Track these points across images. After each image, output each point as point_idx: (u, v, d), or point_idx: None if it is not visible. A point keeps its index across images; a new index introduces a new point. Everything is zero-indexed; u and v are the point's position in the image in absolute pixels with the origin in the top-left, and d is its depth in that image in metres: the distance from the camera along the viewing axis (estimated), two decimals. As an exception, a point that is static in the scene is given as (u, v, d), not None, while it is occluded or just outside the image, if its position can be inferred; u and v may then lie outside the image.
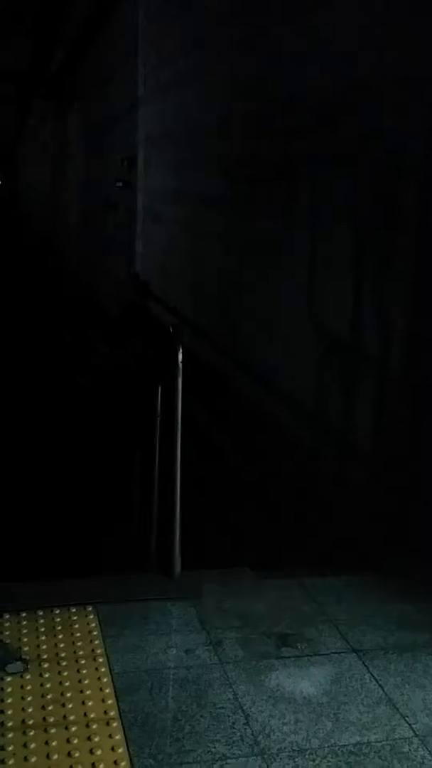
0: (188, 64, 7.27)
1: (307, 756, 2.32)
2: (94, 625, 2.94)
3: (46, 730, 2.35)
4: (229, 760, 2.29)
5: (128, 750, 2.30)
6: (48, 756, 2.25)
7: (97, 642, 2.83)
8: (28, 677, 2.60)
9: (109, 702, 2.50)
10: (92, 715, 2.43)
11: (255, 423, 5.27)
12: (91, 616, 3.00)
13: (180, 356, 3.40)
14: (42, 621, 2.95)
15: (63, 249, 18.42)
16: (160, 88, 8.48)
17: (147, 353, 3.80)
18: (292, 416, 4.73)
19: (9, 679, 2.58)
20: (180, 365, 3.39)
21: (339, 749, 2.35)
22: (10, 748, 2.27)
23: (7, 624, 2.91)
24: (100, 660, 2.72)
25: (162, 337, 3.52)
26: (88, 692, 2.54)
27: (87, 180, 14.64)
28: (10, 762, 2.22)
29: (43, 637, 2.84)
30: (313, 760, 2.30)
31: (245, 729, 2.42)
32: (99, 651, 2.78)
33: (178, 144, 7.78)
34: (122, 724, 2.41)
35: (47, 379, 9.23)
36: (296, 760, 2.30)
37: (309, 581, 3.36)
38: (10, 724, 2.37)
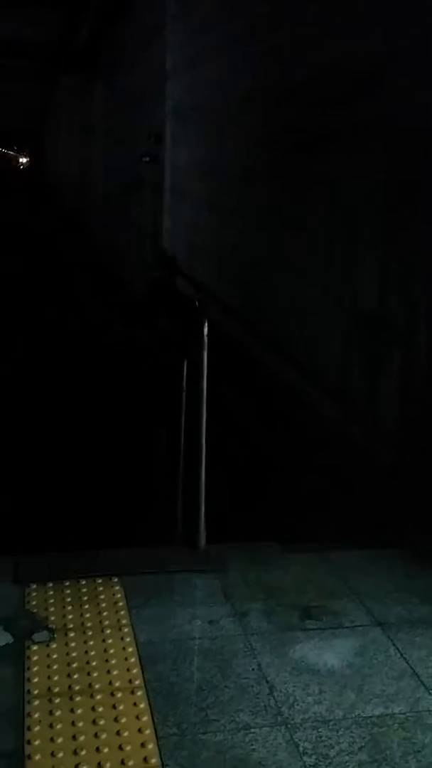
0: (216, 36, 7.19)
1: (330, 726, 2.33)
2: (119, 596, 2.97)
3: (71, 698, 2.39)
4: (253, 730, 2.31)
5: (152, 719, 2.32)
6: (73, 723, 2.28)
7: (122, 612, 2.86)
8: (54, 646, 2.64)
9: (134, 671, 2.53)
10: (117, 684, 2.46)
11: (280, 398, 5.26)
12: (117, 587, 3.03)
13: (205, 331, 3.39)
14: (68, 591, 2.98)
15: (90, 225, 18.43)
16: (188, 61, 8.40)
17: (173, 329, 3.80)
18: (318, 392, 4.71)
19: (35, 647, 2.62)
20: (205, 340, 3.38)
21: (363, 720, 2.36)
22: (37, 715, 2.31)
23: (33, 594, 2.95)
24: (126, 630, 2.75)
25: (188, 312, 3.52)
26: (113, 661, 2.57)
27: (114, 155, 14.59)
28: (36, 729, 2.26)
29: (69, 607, 2.87)
30: (337, 731, 2.31)
31: (269, 699, 2.44)
32: (124, 621, 2.81)
33: (205, 118, 7.71)
34: (147, 693, 2.43)
35: (74, 354, 9.27)
36: (320, 730, 2.31)
37: (334, 555, 3.36)
38: (36, 691, 2.41)
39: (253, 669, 2.58)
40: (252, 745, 2.24)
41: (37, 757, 2.15)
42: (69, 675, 2.49)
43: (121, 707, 2.36)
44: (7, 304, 12.42)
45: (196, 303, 3.64)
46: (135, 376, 6.77)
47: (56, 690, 2.42)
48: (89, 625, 2.77)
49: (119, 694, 2.42)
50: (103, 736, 2.24)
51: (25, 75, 24.78)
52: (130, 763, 2.15)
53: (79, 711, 2.33)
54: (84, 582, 3.05)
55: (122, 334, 9.63)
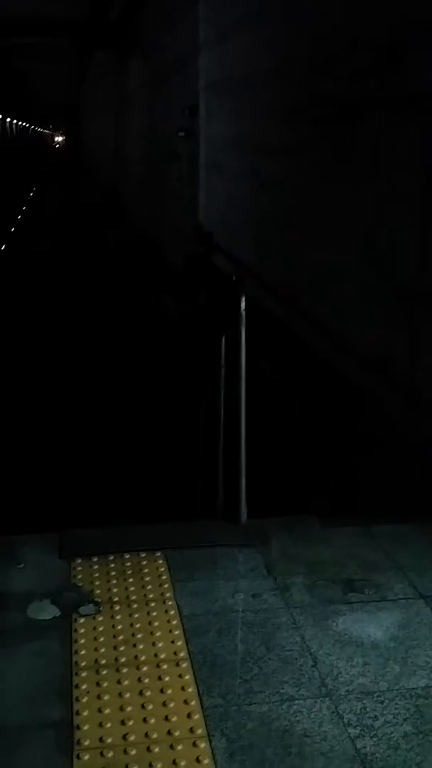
0: (249, 7, 7.09)
1: (375, 698, 2.34)
2: (163, 569, 3.01)
3: (118, 670, 2.43)
4: (297, 702, 2.33)
5: (198, 690, 2.36)
6: (120, 694, 2.33)
7: (166, 586, 2.90)
8: (100, 619, 2.68)
9: (179, 643, 2.57)
10: (162, 656, 2.50)
11: (318, 372, 5.23)
12: (160, 561, 3.06)
13: (243, 306, 3.38)
14: (112, 566, 3.03)
15: (127, 201, 18.43)
16: (222, 32, 8.30)
17: (210, 304, 3.79)
18: (357, 364, 4.68)
19: (82, 620, 2.67)
20: (243, 315, 3.38)
21: (407, 692, 2.36)
22: (84, 687, 2.36)
23: (79, 568, 3.00)
24: (170, 603, 2.79)
25: (225, 287, 3.51)
26: (158, 634, 2.61)
27: (149, 130, 14.54)
28: (84, 700, 2.30)
29: (114, 581, 2.92)
30: (381, 702, 2.32)
31: (313, 671, 2.46)
32: (168, 594, 2.84)
33: (239, 90, 7.63)
34: (192, 665, 2.47)
35: (113, 331, 9.33)
36: (364, 702, 2.32)
37: (376, 529, 3.35)
38: (83, 663, 2.46)
39: (296, 641, 2.60)
40: (296, 716, 2.26)
41: (86, 727, 2.20)
42: (115, 647, 2.54)
43: (166, 679, 2.40)
44: (50, 281, 12.55)
45: (233, 278, 3.63)
46: (175, 350, 6.79)
47: (103, 662, 2.47)
48: (134, 598, 2.81)
49: (165, 666, 2.45)
50: (150, 707, 2.28)
51: (59, 53, 24.78)
52: (177, 733, 2.18)
53: (125, 682, 2.38)
54: (128, 556, 3.09)
55: (162, 310, 9.65)
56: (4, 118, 48.25)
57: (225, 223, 8.36)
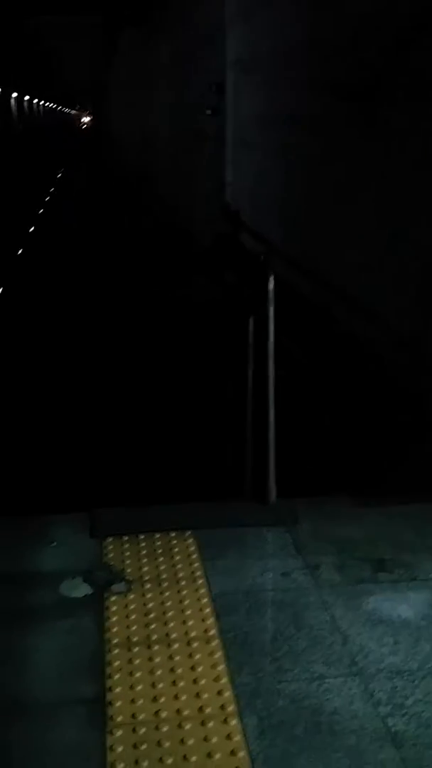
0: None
1: (405, 677, 2.34)
2: (193, 549, 3.03)
3: (149, 647, 2.46)
4: (327, 680, 2.34)
5: (228, 667, 2.38)
6: (152, 672, 2.36)
7: (196, 565, 2.92)
8: (131, 597, 2.71)
9: (209, 621, 2.59)
10: (193, 634, 2.52)
11: (348, 350, 5.19)
12: (190, 541, 3.08)
13: (271, 285, 3.37)
14: (143, 545, 3.05)
15: (153, 180, 18.38)
16: (249, 8, 8.20)
17: (238, 284, 3.78)
18: (389, 342, 4.64)
19: (114, 598, 2.70)
20: (271, 294, 3.36)
21: (437, 672, 2.36)
22: (116, 664, 2.39)
23: (110, 547, 3.03)
24: (200, 582, 2.81)
25: (253, 267, 3.49)
26: (188, 612, 2.63)
27: (176, 108, 14.45)
28: (116, 677, 2.34)
29: (145, 560, 2.94)
30: (412, 681, 2.32)
31: (343, 650, 2.46)
32: (198, 573, 2.86)
33: (267, 66, 7.54)
34: (222, 642, 2.49)
35: (142, 311, 9.35)
36: (394, 680, 2.33)
37: (408, 509, 3.34)
38: (115, 640, 2.49)
39: (326, 620, 2.60)
40: (327, 695, 2.27)
41: (118, 703, 2.23)
42: (146, 625, 2.56)
43: (197, 657, 2.42)
44: (77, 263, 12.59)
45: (261, 257, 3.61)
46: (203, 330, 6.79)
47: (135, 639, 2.49)
48: (164, 577, 2.84)
49: (195, 644, 2.48)
50: (181, 684, 2.30)
51: (85, 31, 24.68)
52: (208, 710, 2.21)
53: (157, 660, 2.40)
54: (158, 536, 3.12)
55: (190, 290, 9.65)
56: (30, 99, 48.28)
57: (252, 201, 8.30)
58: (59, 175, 30.47)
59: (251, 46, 8.18)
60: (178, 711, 2.20)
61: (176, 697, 2.26)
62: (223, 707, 2.22)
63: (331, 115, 5.69)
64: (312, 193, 6.26)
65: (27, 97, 47.75)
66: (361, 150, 5.07)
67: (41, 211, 19.84)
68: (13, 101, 41.57)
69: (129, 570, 2.88)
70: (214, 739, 2.11)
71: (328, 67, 5.74)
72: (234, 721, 2.17)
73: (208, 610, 2.65)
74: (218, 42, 9.51)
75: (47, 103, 65.55)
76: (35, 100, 54.39)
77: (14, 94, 40.65)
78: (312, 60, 6.12)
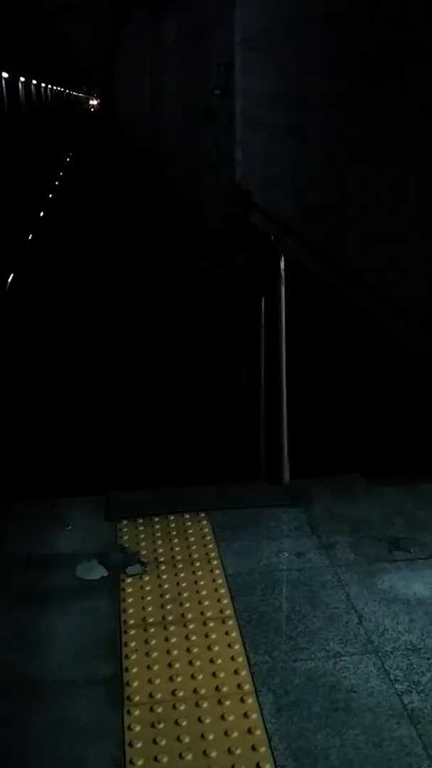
0: None
1: (421, 655, 2.34)
2: (207, 530, 3.03)
3: (165, 628, 2.48)
4: (343, 658, 2.34)
5: (244, 647, 2.39)
6: (168, 652, 2.37)
7: (210, 546, 2.92)
8: (146, 578, 2.73)
9: (225, 602, 2.60)
10: (209, 614, 2.53)
11: (361, 331, 5.17)
12: (204, 522, 3.09)
13: (282, 266, 3.35)
14: (157, 527, 3.06)
15: (163, 161, 18.30)
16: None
17: (249, 264, 3.76)
18: (402, 323, 4.61)
19: (129, 580, 2.72)
20: (283, 275, 3.34)
21: (453, 649, 2.36)
22: (133, 644, 2.40)
23: (125, 530, 3.04)
24: (215, 563, 2.82)
25: (264, 247, 3.47)
26: (204, 592, 2.64)
27: (185, 89, 14.35)
28: (133, 657, 2.35)
29: (160, 542, 2.95)
30: (428, 659, 2.32)
31: (359, 628, 2.47)
32: (213, 554, 2.87)
33: (277, 44, 7.46)
34: (238, 622, 2.50)
35: (153, 293, 9.33)
36: (411, 658, 2.33)
37: (423, 487, 3.34)
38: (131, 621, 2.50)
39: (341, 599, 2.61)
40: (343, 672, 2.28)
41: (135, 683, 2.24)
42: (162, 606, 2.58)
43: (213, 636, 2.43)
44: (90, 242, 12.58)
45: (272, 237, 3.58)
46: (215, 311, 6.78)
47: (151, 620, 2.51)
48: (179, 558, 2.85)
49: (211, 624, 2.49)
50: (198, 663, 2.32)
51: (94, 12, 24.50)
52: (225, 689, 2.22)
53: (173, 640, 2.42)
54: (172, 517, 3.13)
55: (201, 271, 9.62)
56: (39, 84, 48.08)
57: (263, 181, 8.25)
58: (68, 159, 30.38)
59: (260, 24, 8.10)
60: (195, 690, 2.22)
61: (193, 676, 2.27)
62: (239, 686, 2.23)
63: (342, 91, 5.63)
64: (323, 171, 6.20)
65: (34, 81, 47.56)
66: (374, 125, 5.01)
67: (50, 195, 19.80)
68: (20, 85, 41.41)
69: (144, 552, 2.89)
70: (231, 717, 2.12)
71: (339, 42, 5.67)
72: (250, 700, 2.18)
73: (223, 590, 2.66)
74: (227, 21, 9.42)
75: (55, 87, 65.25)
76: (43, 84, 54.17)
77: (21, 78, 40.49)
78: (323, 35, 6.04)
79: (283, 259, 3.33)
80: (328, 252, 6.01)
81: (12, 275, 10.79)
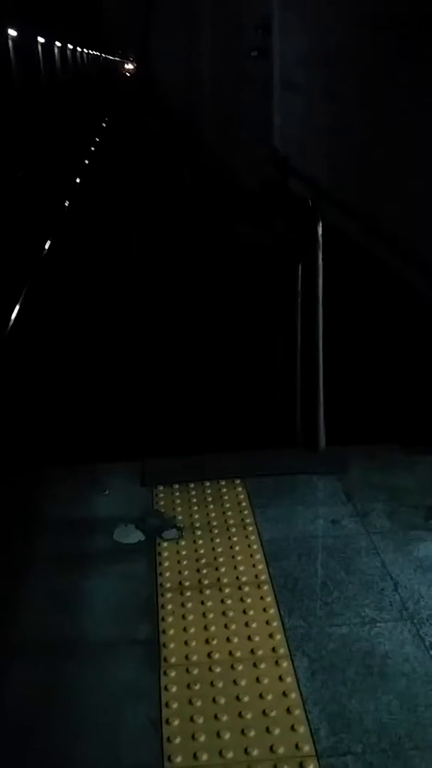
0: None
1: (456, 623, 2.35)
2: (243, 496, 3.05)
3: (201, 592, 2.51)
4: (378, 624, 2.35)
5: (279, 612, 2.41)
6: (204, 615, 2.40)
7: (246, 512, 2.94)
8: (182, 543, 2.76)
9: (260, 567, 2.62)
10: (244, 579, 2.56)
11: (399, 298, 5.10)
12: (240, 489, 3.11)
13: (320, 231, 3.31)
14: (193, 493, 3.09)
15: (200, 126, 18.11)
16: None
17: (287, 231, 3.72)
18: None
19: (165, 545, 2.75)
20: (320, 241, 3.30)
21: None
22: (170, 607, 2.44)
23: (161, 495, 3.07)
24: (250, 529, 2.84)
25: (302, 213, 3.43)
26: (239, 558, 2.67)
27: (221, 52, 14.14)
28: (170, 619, 2.39)
29: (195, 508, 2.98)
30: (463, 627, 2.33)
31: (394, 595, 2.47)
32: (248, 521, 2.89)
33: (316, 1, 7.29)
34: (273, 587, 2.52)
35: (189, 260, 9.30)
36: (445, 626, 2.34)
37: (460, 456, 3.31)
38: (168, 585, 2.54)
39: (376, 566, 2.61)
40: (378, 638, 2.29)
41: (172, 645, 2.28)
42: (198, 570, 2.61)
43: (248, 600, 2.46)
44: (127, 205, 12.56)
45: (310, 203, 3.54)
46: (253, 279, 6.74)
47: (187, 584, 2.54)
48: (215, 524, 2.87)
49: (246, 589, 2.51)
50: (233, 627, 2.35)
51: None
52: (260, 652, 2.25)
53: (209, 604, 2.45)
54: (208, 484, 3.15)
55: (238, 238, 9.55)
56: (74, 48, 47.73)
57: (301, 145, 8.12)
58: (104, 125, 30.24)
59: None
60: (231, 653, 2.25)
61: (228, 639, 2.30)
62: (274, 649, 2.26)
63: (384, 52, 5.50)
64: (358, 133, 6.09)
65: (70, 46, 47.23)
66: (416, 85, 4.89)
67: (87, 162, 19.76)
68: (56, 50, 41.18)
69: (180, 517, 2.92)
70: (266, 680, 2.15)
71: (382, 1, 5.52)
72: (285, 663, 2.21)
73: (258, 556, 2.68)
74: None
75: (91, 51, 64.74)
76: (79, 48, 53.76)
77: (57, 43, 40.24)
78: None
79: (320, 225, 3.29)
80: (365, 217, 5.92)
81: (49, 243, 10.82)
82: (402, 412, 4.55)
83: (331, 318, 3.40)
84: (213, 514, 2.93)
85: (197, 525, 2.87)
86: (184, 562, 2.65)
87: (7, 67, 29.43)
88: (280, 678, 2.16)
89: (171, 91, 25.76)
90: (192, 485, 3.14)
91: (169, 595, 2.49)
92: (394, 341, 5.18)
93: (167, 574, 2.59)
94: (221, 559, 2.66)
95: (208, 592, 2.50)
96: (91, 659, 2.25)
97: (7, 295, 8.13)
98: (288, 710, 2.05)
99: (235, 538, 2.78)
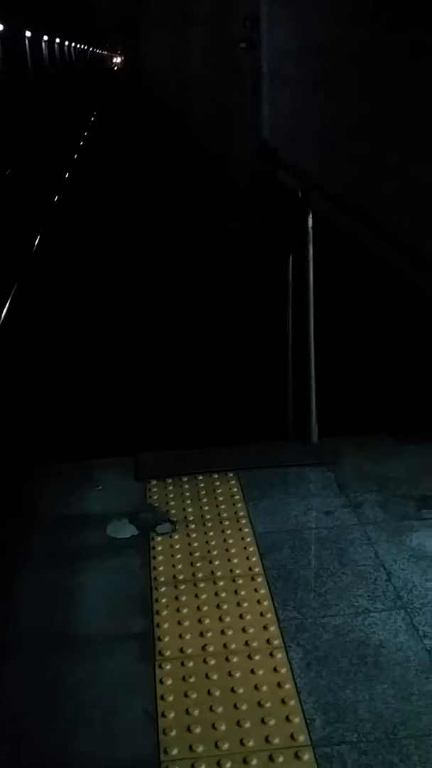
0: None
1: (449, 611, 2.36)
2: (236, 489, 3.06)
3: (195, 585, 2.51)
4: (372, 614, 2.36)
5: (273, 603, 2.42)
6: (198, 608, 2.41)
7: (239, 505, 2.95)
8: (176, 537, 2.76)
9: (254, 559, 2.62)
10: (238, 572, 2.57)
11: (390, 288, 5.11)
12: (233, 482, 3.11)
13: (310, 223, 3.31)
14: (186, 486, 3.09)
15: (188, 118, 18.06)
16: None
17: (277, 222, 3.72)
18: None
19: (159, 538, 2.75)
20: (310, 232, 3.30)
21: None
22: (164, 601, 2.44)
23: (154, 489, 3.07)
24: (243, 521, 2.84)
25: (291, 205, 3.42)
26: (233, 550, 2.67)
27: (209, 45, 14.10)
28: (164, 613, 2.39)
29: (189, 501, 2.98)
30: (456, 616, 2.34)
31: (387, 585, 2.48)
32: (242, 513, 2.89)
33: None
34: (267, 579, 2.53)
35: (179, 255, 9.29)
36: (438, 615, 2.35)
37: (450, 445, 3.32)
38: (162, 579, 2.54)
39: (369, 557, 2.62)
40: (372, 628, 2.30)
41: (166, 638, 2.29)
42: (192, 563, 2.61)
43: (242, 593, 2.46)
44: (115, 199, 12.53)
45: (300, 194, 3.53)
46: (242, 271, 6.73)
47: (181, 577, 2.54)
48: (208, 517, 2.88)
49: (240, 581, 2.52)
50: (227, 619, 2.35)
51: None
52: (254, 644, 2.25)
53: (203, 597, 2.45)
54: (201, 477, 3.15)
55: (227, 231, 9.54)
56: (62, 42, 47.47)
57: (290, 138, 8.11)
58: (92, 119, 30.13)
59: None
60: (225, 645, 2.25)
61: (223, 632, 2.31)
62: (269, 641, 2.27)
63: (373, 43, 5.49)
64: (348, 126, 6.08)
65: (57, 40, 47.00)
66: (404, 79, 4.89)
67: (75, 156, 19.70)
68: (44, 44, 40.97)
69: (173, 511, 2.92)
70: (261, 672, 2.16)
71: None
72: (280, 655, 2.22)
73: (252, 548, 2.69)
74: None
75: (78, 45, 64.43)
76: (66, 42, 53.52)
77: (44, 37, 40.03)
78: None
79: (311, 216, 3.29)
80: (354, 206, 5.92)
81: (38, 238, 10.79)
82: (390, 401, 4.56)
83: (320, 309, 3.40)
84: (206, 508, 2.94)
85: (191, 518, 2.87)
86: (178, 556, 2.65)
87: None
88: (275, 669, 2.17)
89: (159, 83, 25.66)
90: (185, 479, 3.14)
91: (163, 588, 2.50)
92: (381, 331, 5.19)
93: (161, 568, 2.59)
94: (215, 552, 2.66)
95: (202, 585, 2.51)
96: (86, 653, 2.25)
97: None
98: (283, 701, 2.06)
99: (228, 531, 2.78)
